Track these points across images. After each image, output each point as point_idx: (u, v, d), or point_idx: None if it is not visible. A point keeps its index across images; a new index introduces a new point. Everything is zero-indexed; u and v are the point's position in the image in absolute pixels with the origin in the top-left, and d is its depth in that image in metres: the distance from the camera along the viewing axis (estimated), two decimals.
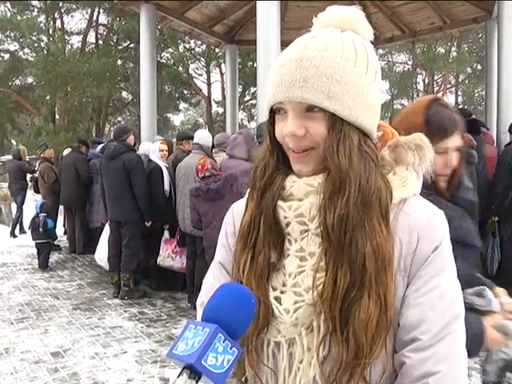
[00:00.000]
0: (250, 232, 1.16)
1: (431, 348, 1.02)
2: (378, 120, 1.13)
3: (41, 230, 8.59)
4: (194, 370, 0.82)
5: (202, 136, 6.71)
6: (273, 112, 1.14)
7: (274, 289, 1.12)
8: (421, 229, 1.07)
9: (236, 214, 1.31)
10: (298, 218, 1.10)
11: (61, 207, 10.60)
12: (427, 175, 1.18)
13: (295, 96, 1.04)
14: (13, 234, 12.07)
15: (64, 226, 11.15)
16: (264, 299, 1.11)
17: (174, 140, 8.37)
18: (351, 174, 1.03)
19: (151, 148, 7.30)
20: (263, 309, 1.10)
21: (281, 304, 1.10)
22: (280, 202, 1.13)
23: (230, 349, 0.85)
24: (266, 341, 1.14)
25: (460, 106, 30.57)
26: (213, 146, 6.86)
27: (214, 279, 1.30)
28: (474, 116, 7.76)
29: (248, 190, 1.22)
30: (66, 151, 10.37)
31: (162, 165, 7.10)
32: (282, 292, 1.11)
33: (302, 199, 1.11)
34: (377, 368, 1.05)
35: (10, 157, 15.25)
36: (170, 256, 6.79)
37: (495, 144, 7.32)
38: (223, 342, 0.85)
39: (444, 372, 1.02)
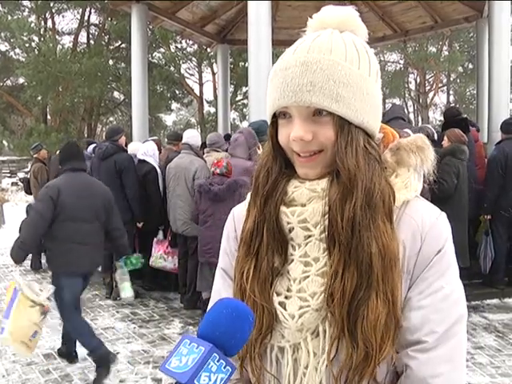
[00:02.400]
0: (253, 239, 1.15)
1: (436, 349, 1.03)
2: (380, 120, 1.13)
3: None
4: None
5: (191, 135, 6.73)
6: (274, 116, 1.13)
7: (278, 294, 1.11)
8: (424, 232, 1.07)
9: (237, 218, 1.30)
10: (302, 223, 1.09)
11: None
12: (428, 175, 1.18)
13: (303, 100, 1.02)
14: None
15: None
16: (268, 306, 1.10)
17: (166, 140, 8.35)
18: (358, 176, 1.03)
19: (142, 148, 7.26)
20: (267, 315, 1.10)
21: (285, 309, 1.09)
22: (283, 208, 1.12)
23: (224, 367, 0.84)
24: (269, 346, 1.13)
25: (452, 105, 30.72)
26: (205, 146, 6.86)
27: (218, 286, 1.30)
28: (464, 115, 7.83)
29: (249, 195, 1.21)
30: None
31: (157, 166, 7.09)
32: (286, 297, 1.10)
33: (304, 204, 1.10)
34: (382, 368, 1.05)
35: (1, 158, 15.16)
36: (162, 257, 6.78)
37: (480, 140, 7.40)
38: (217, 361, 0.84)
39: (447, 374, 1.03)
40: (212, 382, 0.82)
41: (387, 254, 1.02)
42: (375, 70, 1.10)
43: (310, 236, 1.10)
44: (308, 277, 1.08)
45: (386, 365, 1.05)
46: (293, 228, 1.11)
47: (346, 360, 1.02)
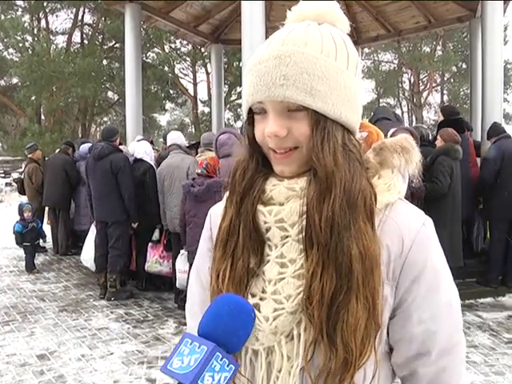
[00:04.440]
0: (229, 238, 1.12)
1: (440, 361, 1.03)
2: (360, 115, 1.09)
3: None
4: None
5: (177, 136, 6.95)
6: (251, 112, 1.09)
7: (253, 295, 1.08)
8: (410, 237, 1.04)
9: (213, 218, 1.28)
10: (279, 223, 1.06)
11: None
12: (413, 177, 1.15)
13: (276, 95, 0.98)
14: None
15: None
16: None
17: (161, 140, 8.41)
18: (337, 174, 0.98)
19: (138, 148, 7.26)
20: None
21: (260, 311, 1.05)
22: (260, 207, 1.08)
23: (227, 366, 0.83)
24: (243, 349, 1.08)
25: (446, 104, 30.77)
26: (198, 145, 6.91)
27: (192, 285, 1.32)
28: (461, 115, 7.87)
29: (226, 194, 1.18)
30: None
31: (154, 165, 7.11)
32: (261, 299, 1.07)
33: (282, 203, 1.06)
34: (365, 372, 1.03)
35: None
36: (157, 261, 6.77)
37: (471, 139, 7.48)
38: (220, 360, 0.83)
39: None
40: (216, 381, 0.81)
41: (368, 257, 0.98)
42: (354, 63, 1.06)
43: (286, 236, 1.06)
44: (283, 278, 1.04)
45: (370, 369, 1.03)
46: (270, 228, 1.07)
47: (324, 365, 0.99)
